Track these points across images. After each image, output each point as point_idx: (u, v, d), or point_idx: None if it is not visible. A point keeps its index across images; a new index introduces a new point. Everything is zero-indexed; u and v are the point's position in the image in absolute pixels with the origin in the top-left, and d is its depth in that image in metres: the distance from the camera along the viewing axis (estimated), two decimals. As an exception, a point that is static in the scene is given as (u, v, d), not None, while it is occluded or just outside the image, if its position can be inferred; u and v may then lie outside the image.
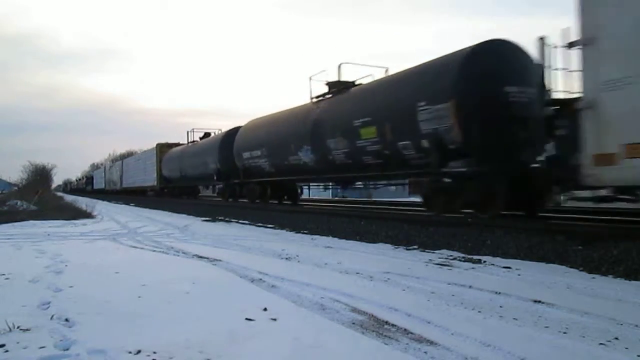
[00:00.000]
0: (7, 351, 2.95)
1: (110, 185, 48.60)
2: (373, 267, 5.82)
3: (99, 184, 60.51)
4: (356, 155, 11.25)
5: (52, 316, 3.69)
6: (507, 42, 8.79)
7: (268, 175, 16.15)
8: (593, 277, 5.16)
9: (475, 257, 6.50)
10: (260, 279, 5.18)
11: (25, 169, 77.19)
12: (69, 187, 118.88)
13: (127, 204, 31.14)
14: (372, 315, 3.73)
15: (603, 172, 5.83)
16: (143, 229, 12.06)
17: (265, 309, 3.86)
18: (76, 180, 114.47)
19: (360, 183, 14.46)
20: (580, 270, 5.48)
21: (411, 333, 3.28)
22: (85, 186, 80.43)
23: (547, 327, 3.41)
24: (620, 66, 5.64)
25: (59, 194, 63.84)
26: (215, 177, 20.95)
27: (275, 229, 11.67)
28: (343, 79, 13.03)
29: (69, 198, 40.40)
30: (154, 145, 31.28)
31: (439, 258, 6.59)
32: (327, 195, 27.36)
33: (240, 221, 14.03)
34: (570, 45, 6.22)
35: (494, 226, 7.61)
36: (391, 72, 11.81)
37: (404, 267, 5.90)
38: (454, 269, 5.78)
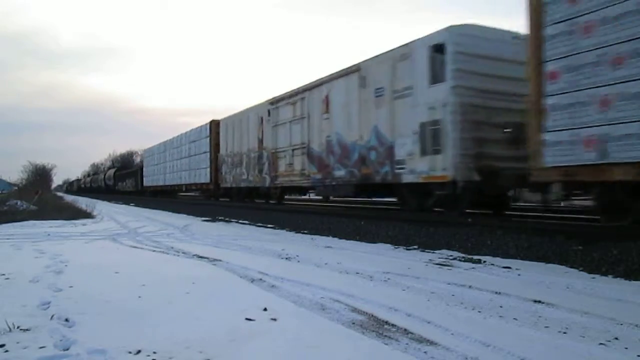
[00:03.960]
0: (7, 351, 2.95)
1: (241, 178, 17.57)
2: (373, 267, 5.82)
3: (159, 174, 29.87)
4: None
5: (52, 316, 3.68)
6: None
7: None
8: (593, 277, 5.16)
9: (475, 257, 6.49)
10: (261, 279, 5.18)
11: (25, 169, 77.07)
12: (75, 185, 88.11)
13: (127, 203, 31.12)
14: (372, 315, 3.73)
15: None
16: (143, 229, 12.05)
17: (265, 309, 3.86)
18: (89, 175, 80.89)
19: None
20: (580, 270, 5.48)
21: (411, 333, 3.27)
22: (115, 183, 46.42)
23: (547, 327, 3.41)
24: None
25: (59, 194, 63.61)
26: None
27: (275, 229, 11.66)
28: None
29: (71, 199, 39.77)
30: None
31: (439, 258, 6.58)
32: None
33: (240, 221, 14.02)
34: None
35: (494, 226, 7.61)
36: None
37: (403, 267, 5.90)
38: (454, 269, 5.78)
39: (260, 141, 15.84)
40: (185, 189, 25.59)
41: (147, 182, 33.92)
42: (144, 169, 35.72)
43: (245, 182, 17.08)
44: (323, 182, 12.46)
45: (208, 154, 20.38)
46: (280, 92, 14.81)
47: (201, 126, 21.99)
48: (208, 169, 20.35)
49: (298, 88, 13.62)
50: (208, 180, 20.50)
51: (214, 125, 20.07)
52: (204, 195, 23.75)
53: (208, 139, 20.41)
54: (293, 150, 13.78)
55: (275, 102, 14.92)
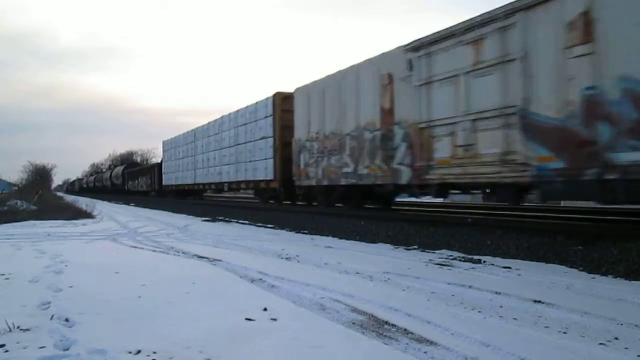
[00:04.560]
0: (7, 351, 2.95)
1: (341, 172, 11.31)
2: (373, 267, 5.82)
3: (187, 170, 23.80)
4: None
5: (52, 316, 3.68)
6: None
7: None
8: (593, 277, 5.16)
9: (475, 257, 6.50)
10: (260, 279, 5.18)
11: (25, 169, 77.05)
12: (76, 185, 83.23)
13: (127, 203, 31.12)
14: (372, 315, 3.73)
15: None
16: (143, 229, 12.06)
17: (265, 309, 3.86)
18: (93, 174, 75.53)
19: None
20: (580, 270, 5.48)
21: (411, 333, 3.28)
22: (124, 182, 40.79)
23: (547, 327, 3.41)
24: None
25: (59, 194, 63.51)
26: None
27: (275, 229, 11.67)
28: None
29: (71, 199, 39.46)
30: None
31: (439, 258, 6.59)
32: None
33: (240, 221, 14.04)
34: None
35: (494, 226, 7.61)
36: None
37: (403, 267, 5.90)
38: (454, 269, 5.78)
39: (388, 112, 9.94)
40: (228, 188, 18.84)
41: (167, 180, 27.57)
42: (163, 164, 29.13)
43: (350, 177, 11.16)
44: (572, 176, 6.43)
45: (271, 140, 14.60)
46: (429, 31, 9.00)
47: (257, 103, 15.60)
48: (271, 161, 14.55)
49: (490, 12, 7.48)
50: (270, 177, 14.65)
51: (280, 100, 14.31)
52: (260, 197, 17.13)
53: (271, 118, 14.57)
54: (474, 120, 7.88)
55: (424, 45, 8.85)
